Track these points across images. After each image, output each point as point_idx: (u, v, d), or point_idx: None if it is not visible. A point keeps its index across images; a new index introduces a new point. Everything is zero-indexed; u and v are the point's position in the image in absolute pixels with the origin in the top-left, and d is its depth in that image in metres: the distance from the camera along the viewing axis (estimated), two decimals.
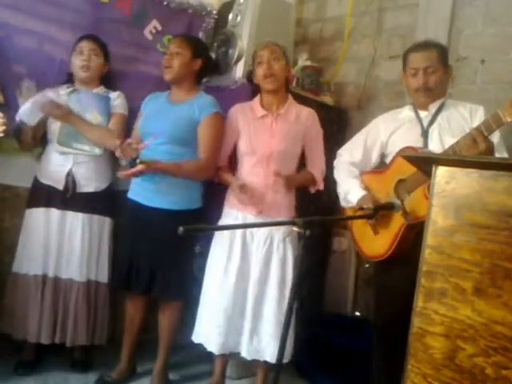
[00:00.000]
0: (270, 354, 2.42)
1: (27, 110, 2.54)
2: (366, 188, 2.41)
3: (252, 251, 2.49)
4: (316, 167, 2.61)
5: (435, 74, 2.31)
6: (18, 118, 2.55)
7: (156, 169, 2.47)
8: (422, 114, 2.37)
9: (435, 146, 2.26)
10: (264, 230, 2.48)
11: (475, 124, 2.07)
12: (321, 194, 2.71)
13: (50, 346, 2.68)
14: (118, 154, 2.43)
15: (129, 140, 2.43)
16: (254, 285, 2.45)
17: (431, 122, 2.33)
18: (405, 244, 2.21)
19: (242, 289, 2.46)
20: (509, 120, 1.81)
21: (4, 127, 2.32)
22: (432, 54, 2.32)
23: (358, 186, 2.43)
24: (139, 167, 2.38)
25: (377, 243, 2.32)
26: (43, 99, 2.54)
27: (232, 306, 2.45)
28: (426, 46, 2.35)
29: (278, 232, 2.48)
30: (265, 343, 2.44)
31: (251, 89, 2.78)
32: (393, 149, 2.39)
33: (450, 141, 2.13)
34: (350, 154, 2.54)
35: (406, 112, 2.45)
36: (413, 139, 2.30)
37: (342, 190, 2.50)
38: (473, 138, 1.93)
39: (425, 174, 1.86)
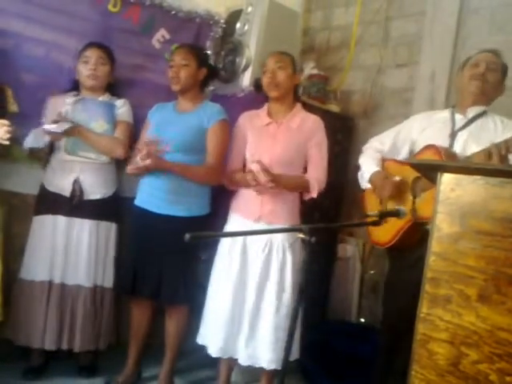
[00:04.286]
0: (265, 360, 2.42)
1: (35, 140, 2.56)
2: (387, 172, 2.44)
3: (251, 257, 2.50)
4: (311, 175, 2.56)
5: (496, 72, 2.32)
6: (27, 147, 2.58)
7: (163, 165, 2.51)
8: (458, 117, 2.37)
9: (458, 151, 2.26)
10: (263, 237, 2.48)
11: (501, 138, 2.08)
12: (326, 201, 2.71)
13: (57, 352, 2.70)
14: (140, 156, 2.44)
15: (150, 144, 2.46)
16: (252, 291, 2.45)
17: (464, 127, 2.32)
18: (407, 239, 2.26)
19: (241, 294, 2.47)
20: None
21: (9, 135, 2.33)
22: (498, 59, 2.34)
23: (373, 164, 2.47)
24: (147, 161, 2.41)
25: (383, 231, 2.35)
26: (42, 131, 2.53)
27: (231, 312, 2.46)
28: (496, 53, 2.38)
29: (277, 238, 2.48)
30: (261, 349, 2.43)
31: (260, 97, 2.80)
32: (421, 146, 2.39)
33: (473, 149, 2.14)
34: (379, 142, 2.57)
35: (444, 113, 2.46)
36: (440, 139, 2.30)
37: (360, 170, 2.55)
38: (489, 153, 1.93)
39: (430, 181, 1.87)
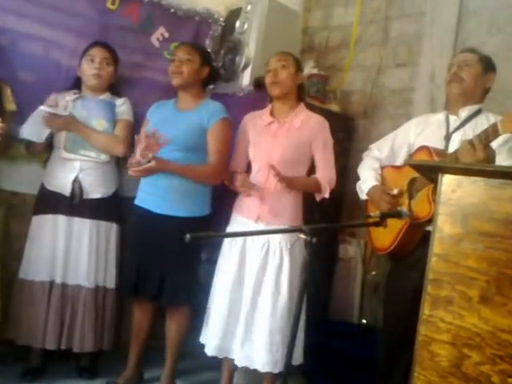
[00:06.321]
0: (260, 362, 2.40)
1: (33, 131, 2.52)
2: (383, 180, 2.45)
3: (249, 257, 2.49)
4: (322, 175, 2.57)
5: (470, 67, 2.32)
6: (24, 137, 2.55)
7: (166, 167, 2.49)
8: (452, 118, 2.38)
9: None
10: (261, 237, 2.48)
11: None
12: (327, 201, 2.71)
13: (56, 353, 2.69)
14: (139, 150, 2.40)
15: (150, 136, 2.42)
16: (248, 291, 2.45)
17: (458, 128, 2.32)
18: (407, 241, 2.26)
19: (238, 295, 2.47)
20: (503, 134, 1.87)
21: (1, 131, 2.31)
22: (473, 56, 2.35)
23: (372, 177, 2.46)
24: (152, 163, 2.39)
25: (384, 236, 2.36)
26: (41, 114, 2.51)
27: (228, 311, 2.46)
28: (470, 49, 2.41)
29: (275, 240, 2.47)
30: (256, 351, 2.42)
31: (261, 96, 2.79)
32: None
33: None
34: (377, 150, 2.57)
35: (439, 115, 2.47)
36: (435, 141, 2.31)
37: (359, 180, 2.54)
38: (472, 144, 1.95)
39: (430, 181, 1.87)
